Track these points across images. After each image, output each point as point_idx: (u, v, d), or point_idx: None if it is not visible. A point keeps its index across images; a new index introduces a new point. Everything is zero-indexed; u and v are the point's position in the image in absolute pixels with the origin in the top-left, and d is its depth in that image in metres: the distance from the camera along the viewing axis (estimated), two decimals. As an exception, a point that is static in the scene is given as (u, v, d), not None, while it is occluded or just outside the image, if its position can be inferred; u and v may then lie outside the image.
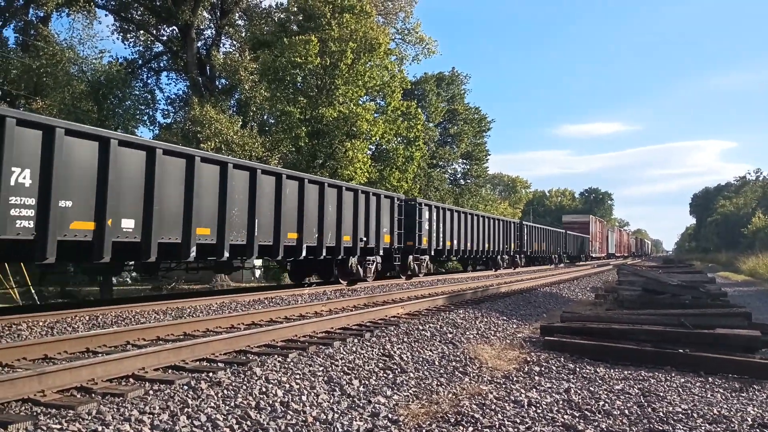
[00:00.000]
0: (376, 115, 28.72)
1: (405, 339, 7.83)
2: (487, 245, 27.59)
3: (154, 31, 32.87)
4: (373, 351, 6.99)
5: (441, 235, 21.94)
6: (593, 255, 61.03)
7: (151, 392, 4.85)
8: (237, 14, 34.01)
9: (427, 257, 21.26)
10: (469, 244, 25.18)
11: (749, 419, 5.13)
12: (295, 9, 29.04)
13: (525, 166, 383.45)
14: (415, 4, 36.80)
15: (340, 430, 4.46)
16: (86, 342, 6.49)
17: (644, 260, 74.71)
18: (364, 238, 16.26)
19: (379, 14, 34.12)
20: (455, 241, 23.49)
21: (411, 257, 20.12)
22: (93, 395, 4.64)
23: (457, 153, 44.81)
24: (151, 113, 32.07)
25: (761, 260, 33.94)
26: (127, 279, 23.59)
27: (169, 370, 5.57)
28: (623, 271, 18.28)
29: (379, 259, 17.92)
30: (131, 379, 5.17)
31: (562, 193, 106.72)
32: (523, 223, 34.68)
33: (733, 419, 5.13)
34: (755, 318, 9.19)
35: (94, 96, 27.63)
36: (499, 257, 30.10)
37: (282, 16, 31.14)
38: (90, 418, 4.15)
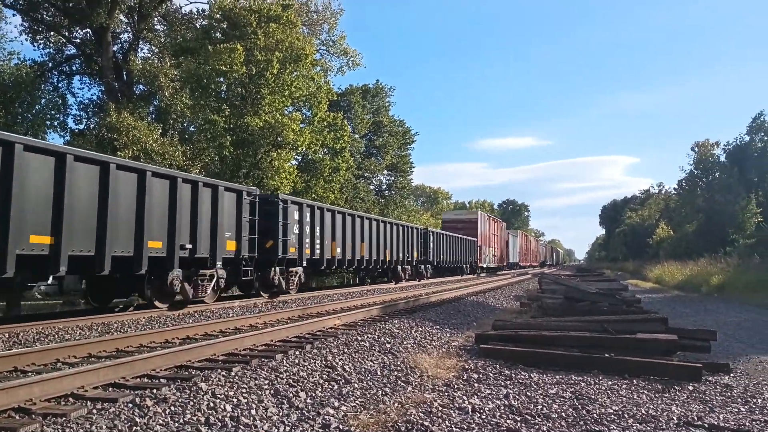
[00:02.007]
0: (302, 125, 28.63)
1: (345, 350, 7.87)
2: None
3: (67, 33, 31.40)
4: (315, 363, 6.99)
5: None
6: (483, 265, 46.45)
7: (94, 411, 4.66)
8: (156, 19, 33.07)
9: None
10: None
11: (675, 418, 5.51)
12: (219, 16, 28.58)
13: (446, 178, 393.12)
14: (339, 16, 37.11)
15: (293, 442, 4.46)
16: (14, 361, 6.14)
17: (559, 269, 77.71)
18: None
19: (303, 25, 34.11)
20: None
21: None
22: (33, 416, 4.41)
23: (382, 164, 45.29)
24: (62, 119, 30.66)
25: (666, 269, 36.18)
26: (36, 293, 22.27)
27: (110, 388, 5.37)
28: (545, 280, 19.04)
29: None
30: (71, 399, 4.94)
31: (481, 205, 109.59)
32: (312, 205, 18.35)
33: (660, 418, 5.49)
34: (669, 323, 9.82)
35: (1, 99, 26.11)
36: (212, 275, 13.41)
37: (205, 23, 30.55)
38: (34, 440, 3.96)
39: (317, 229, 18.13)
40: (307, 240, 17.39)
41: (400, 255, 26.76)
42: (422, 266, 30.91)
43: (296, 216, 16.78)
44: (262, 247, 15.20)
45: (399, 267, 26.75)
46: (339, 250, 19.70)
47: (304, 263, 17.32)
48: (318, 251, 18.15)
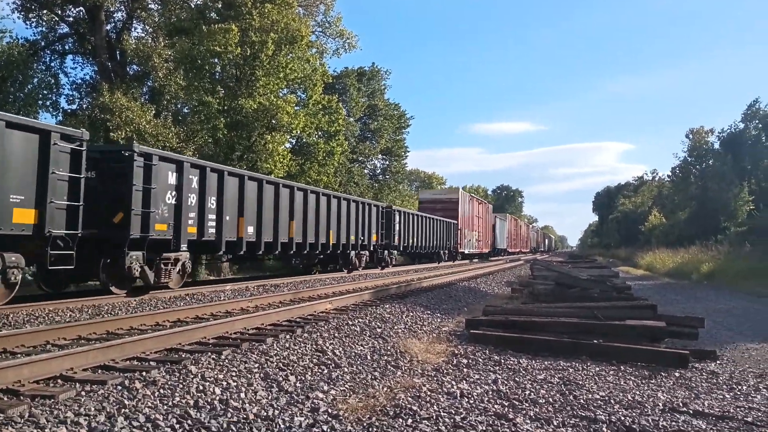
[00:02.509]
0: (297, 108, 28.47)
1: (336, 334, 7.91)
2: None
3: (59, 12, 30.99)
4: (306, 347, 7.02)
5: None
6: (465, 251, 42.16)
7: (83, 393, 4.68)
8: (150, -2, 32.68)
9: None
10: None
11: (660, 404, 5.58)
12: (214, -4, 28.30)
13: (440, 163, 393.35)
14: (336, -4, 36.72)
15: (282, 426, 4.48)
16: (3, 342, 6.15)
17: (551, 255, 77.95)
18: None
19: (299, 5, 33.80)
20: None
21: None
22: (22, 398, 4.43)
23: (377, 148, 45.13)
24: (54, 98, 30.40)
25: (657, 256, 36.39)
26: (27, 276, 22.22)
27: (99, 370, 5.38)
28: (537, 266, 19.13)
29: None
30: (60, 380, 4.96)
31: (475, 190, 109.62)
32: (201, 165, 13.62)
33: (646, 404, 5.56)
34: (658, 310, 9.90)
35: (-7, 78, 25.87)
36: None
37: (200, 2, 30.22)
38: (22, 421, 3.98)
39: (211, 200, 13.28)
40: (192, 214, 12.69)
41: (353, 237, 21.90)
42: (385, 251, 26.28)
43: (172, 179, 12.14)
44: (106, 221, 10.97)
45: (353, 252, 22.26)
46: (251, 229, 14.92)
47: (184, 247, 12.52)
48: (213, 230, 13.39)
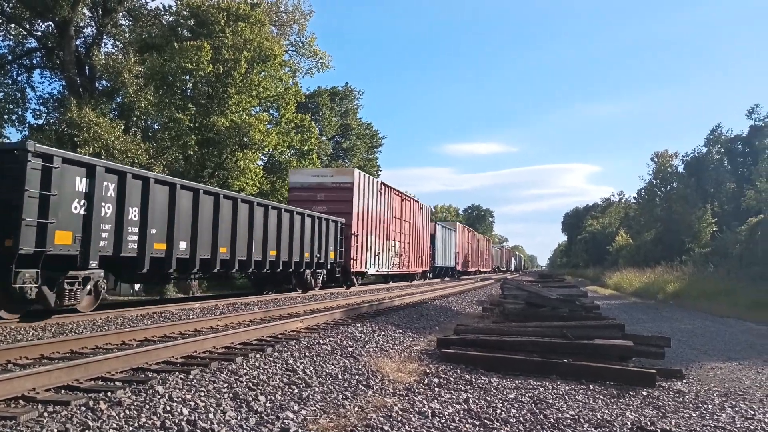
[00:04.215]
0: (269, 126, 28.42)
1: (307, 353, 7.83)
2: None
3: (28, 26, 30.57)
4: (276, 366, 6.93)
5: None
6: (369, 270, 26.12)
7: (45, 414, 4.53)
8: (121, 14, 32.43)
9: None
10: None
11: (629, 423, 5.64)
12: (186, 13, 28.21)
13: (412, 182, 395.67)
14: (309, 17, 36.94)
15: (251, 447, 4.42)
16: (-39, 362, 5.94)
17: (521, 275, 78.48)
18: None
19: (272, 25, 33.89)
20: None
21: None
22: (-19, 419, 4.28)
23: (349, 167, 45.19)
24: (20, 113, 29.90)
25: (625, 276, 37.01)
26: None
27: (63, 391, 5.22)
28: (507, 285, 19.28)
29: None
30: (21, 401, 4.80)
31: (447, 210, 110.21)
32: None
33: (614, 423, 5.62)
34: (625, 329, 10.04)
35: (-43, 91, 25.34)
36: None
37: (171, 19, 30.10)
38: (-20, 444, 3.84)
39: None
40: None
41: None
42: (71, 278, 10.00)
43: None
44: None
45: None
46: None
47: None
48: None
